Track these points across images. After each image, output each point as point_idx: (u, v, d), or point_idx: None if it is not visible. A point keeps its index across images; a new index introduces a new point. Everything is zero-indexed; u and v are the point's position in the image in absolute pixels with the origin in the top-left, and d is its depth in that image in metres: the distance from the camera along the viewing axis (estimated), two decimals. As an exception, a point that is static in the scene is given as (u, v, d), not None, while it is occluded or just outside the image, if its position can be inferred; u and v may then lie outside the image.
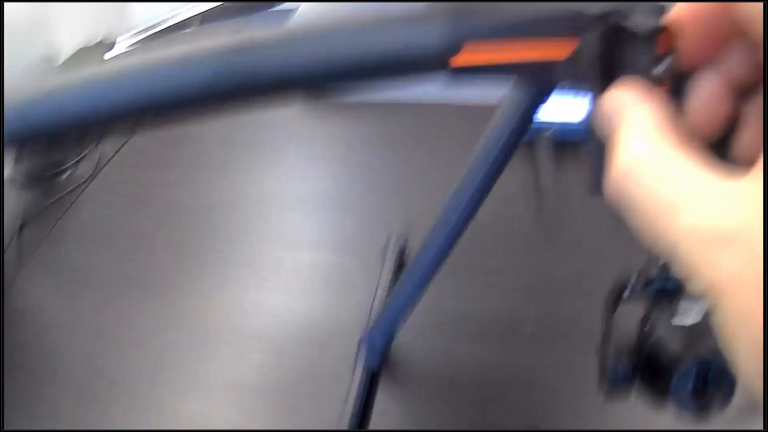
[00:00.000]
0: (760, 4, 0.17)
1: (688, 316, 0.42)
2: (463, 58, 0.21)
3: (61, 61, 0.95)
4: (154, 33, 0.89)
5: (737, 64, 0.20)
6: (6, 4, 0.82)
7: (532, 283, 0.68)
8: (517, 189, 0.78)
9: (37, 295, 0.74)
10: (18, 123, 0.24)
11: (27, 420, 0.61)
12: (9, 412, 0.61)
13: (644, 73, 0.19)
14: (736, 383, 0.38)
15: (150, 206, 0.84)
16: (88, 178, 0.89)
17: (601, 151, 0.18)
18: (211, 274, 0.73)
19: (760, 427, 0.40)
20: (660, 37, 0.19)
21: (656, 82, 0.19)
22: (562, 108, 0.77)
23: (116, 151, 0.93)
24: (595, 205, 0.73)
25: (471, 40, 0.21)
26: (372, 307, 0.60)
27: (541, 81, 0.23)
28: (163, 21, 0.91)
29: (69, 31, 0.98)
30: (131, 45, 0.88)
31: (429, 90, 0.87)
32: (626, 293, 0.45)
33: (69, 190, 0.88)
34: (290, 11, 0.86)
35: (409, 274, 0.49)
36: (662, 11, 0.19)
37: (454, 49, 0.21)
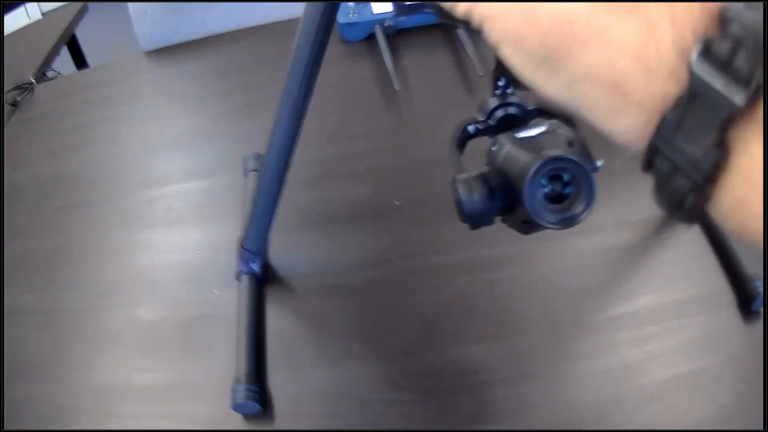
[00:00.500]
0: None
1: (534, 129, 0.41)
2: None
3: None
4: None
5: None
6: None
7: (394, 164, 0.75)
8: (367, 85, 0.86)
9: None
10: None
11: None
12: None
13: None
14: (593, 184, 0.38)
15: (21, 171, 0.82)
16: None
17: None
18: (86, 226, 0.74)
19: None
20: None
21: None
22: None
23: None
24: (443, 84, 0.79)
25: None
26: (244, 220, 0.62)
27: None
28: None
29: None
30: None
31: (257, 15, 1.00)
32: (471, 127, 0.44)
33: None
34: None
35: (262, 180, 0.55)
36: None
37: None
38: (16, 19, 1.46)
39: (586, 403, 0.52)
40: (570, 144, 0.38)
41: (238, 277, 0.62)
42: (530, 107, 0.43)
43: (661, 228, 0.64)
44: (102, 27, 2.45)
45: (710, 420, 0.51)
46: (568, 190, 0.37)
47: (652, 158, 0.26)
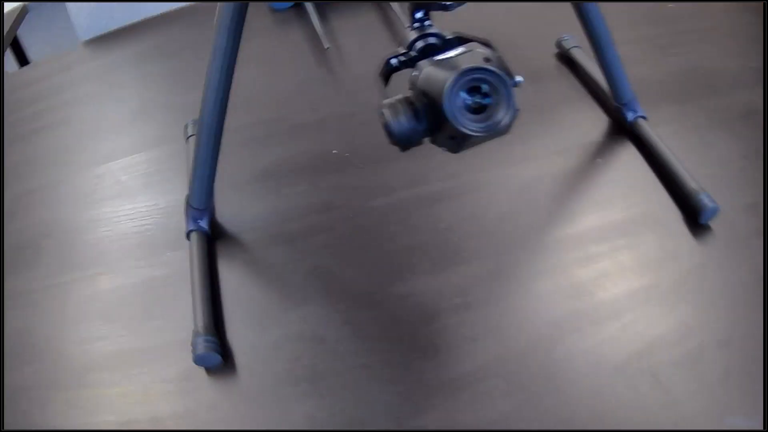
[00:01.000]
0: None
1: (451, 52, 0.42)
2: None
3: None
4: None
5: None
6: None
7: (329, 118, 0.78)
8: (298, 48, 0.91)
9: None
10: None
11: None
12: None
13: None
14: (512, 93, 0.39)
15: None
16: None
17: None
18: (43, 208, 0.75)
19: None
20: None
21: None
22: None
23: None
24: (370, 40, 0.82)
25: None
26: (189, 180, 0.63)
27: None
28: None
29: None
30: None
31: None
32: (394, 60, 0.45)
33: None
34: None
35: (199, 134, 0.57)
36: None
37: None
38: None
39: (542, 323, 0.54)
40: (487, 60, 0.40)
41: (188, 236, 0.62)
42: (449, 36, 0.45)
43: (596, 153, 0.67)
44: (42, 27, 2.41)
45: (671, 335, 0.51)
46: (487, 100, 0.39)
47: None
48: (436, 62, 0.41)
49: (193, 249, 0.61)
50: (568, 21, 0.62)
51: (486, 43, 0.43)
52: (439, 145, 0.42)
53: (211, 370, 0.54)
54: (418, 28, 0.45)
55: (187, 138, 0.75)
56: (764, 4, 0.18)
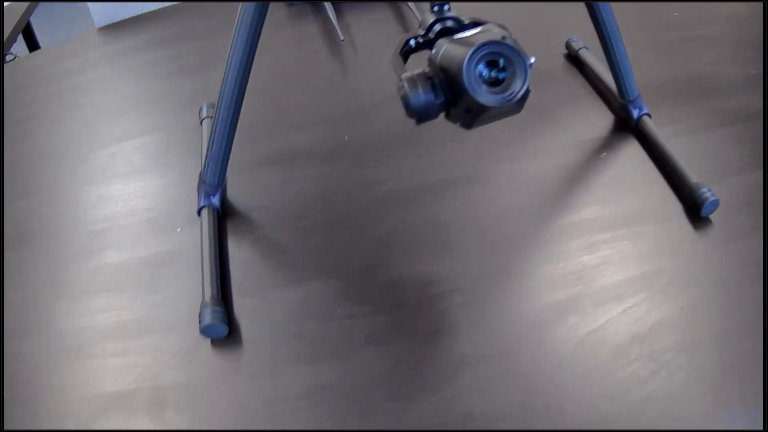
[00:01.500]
0: None
1: (468, 31, 0.44)
2: None
3: None
4: None
5: None
6: None
7: (343, 109, 0.79)
8: (314, 40, 0.93)
9: None
10: None
11: None
12: None
13: None
14: (528, 67, 0.41)
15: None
16: None
17: None
18: (56, 185, 0.76)
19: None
20: None
21: None
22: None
23: None
24: (384, 35, 0.85)
25: None
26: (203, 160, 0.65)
27: None
28: None
29: None
30: None
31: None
32: (412, 41, 0.47)
33: None
34: None
35: (218, 113, 0.58)
36: None
37: None
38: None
39: (543, 305, 0.55)
40: (503, 39, 0.41)
41: (199, 212, 0.64)
42: (466, 21, 0.46)
43: (600, 149, 0.68)
44: (56, 17, 2.43)
45: (672, 320, 0.53)
46: (503, 75, 0.40)
47: None
48: (455, 40, 0.42)
49: (204, 224, 0.62)
50: (576, 23, 0.64)
51: (501, 26, 0.45)
52: (454, 120, 0.43)
53: (215, 343, 0.55)
54: (437, 11, 0.47)
55: (202, 120, 0.77)
56: (764, 4, 0.19)
